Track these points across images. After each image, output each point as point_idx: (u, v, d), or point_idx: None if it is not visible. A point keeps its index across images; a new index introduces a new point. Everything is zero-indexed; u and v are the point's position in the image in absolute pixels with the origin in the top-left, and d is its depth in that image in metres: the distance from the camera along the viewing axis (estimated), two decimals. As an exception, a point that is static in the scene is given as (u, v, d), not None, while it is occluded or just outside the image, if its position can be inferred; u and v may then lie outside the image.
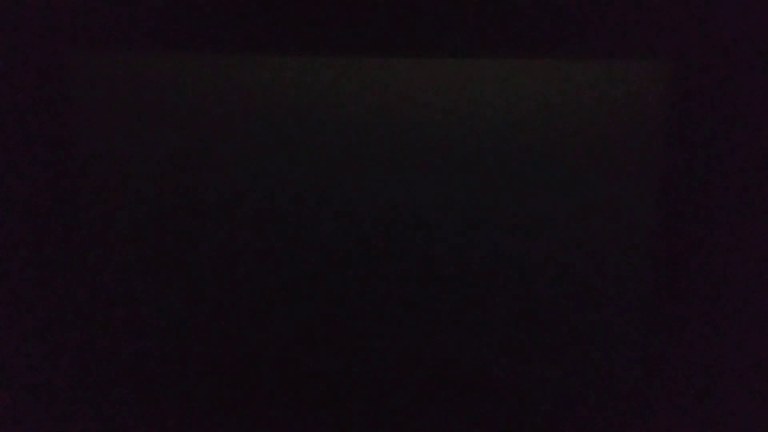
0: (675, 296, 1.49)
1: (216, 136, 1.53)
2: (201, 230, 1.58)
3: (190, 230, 1.58)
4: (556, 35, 1.42)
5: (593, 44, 1.41)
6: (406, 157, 1.49)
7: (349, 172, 1.51)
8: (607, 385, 1.52)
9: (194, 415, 1.61)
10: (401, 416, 1.57)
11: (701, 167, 1.44)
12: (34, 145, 1.59)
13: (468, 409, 1.56)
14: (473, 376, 1.56)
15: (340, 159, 1.51)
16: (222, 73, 1.50)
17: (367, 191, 1.51)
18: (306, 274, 1.57)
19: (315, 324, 1.59)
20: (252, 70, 1.49)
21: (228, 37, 1.50)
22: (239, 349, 1.63)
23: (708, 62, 1.39)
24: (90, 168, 1.58)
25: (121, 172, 1.58)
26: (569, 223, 1.47)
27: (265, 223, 1.55)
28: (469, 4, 1.41)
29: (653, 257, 1.46)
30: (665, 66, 1.38)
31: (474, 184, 1.48)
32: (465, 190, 1.49)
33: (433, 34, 1.45)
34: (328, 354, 1.60)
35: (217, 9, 1.48)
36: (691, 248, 1.47)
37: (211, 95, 1.51)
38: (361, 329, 1.58)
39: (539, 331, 1.53)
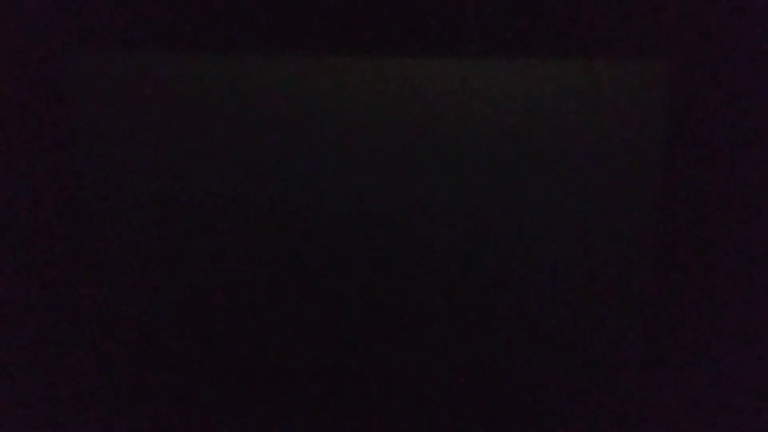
0: (675, 295, 1.49)
1: (215, 135, 1.53)
2: (200, 229, 1.58)
3: (189, 229, 1.58)
4: (556, 35, 1.42)
5: (593, 44, 1.41)
6: (406, 156, 1.49)
7: (349, 172, 1.51)
8: (607, 385, 1.53)
9: (194, 415, 1.61)
10: (401, 416, 1.57)
11: (701, 167, 1.44)
12: (32, 144, 1.59)
13: (467, 409, 1.56)
14: (473, 376, 1.57)
15: (339, 158, 1.51)
16: (222, 73, 1.49)
17: (365, 190, 1.51)
18: (305, 274, 1.57)
19: (315, 323, 1.59)
20: (251, 70, 1.48)
21: (228, 37, 1.50)
22: (240, 349, 1.63)
23: (708, 62, 1.40)
24: (89, 167, 1.58)
25: (120, 172, 1.57)
26: (570, 222, 1.48)
27: (266, 222, 1.55)
28: (470, 4, 1.41)
29: (653, 257, 1.46)
30: (665, 66, 1.38)
31: (474, 184, 1.49)
32: (465, 190, 1.49)
33: (433, 34, 1.45)
34: (327, 353, 1.60)
35: (218, 9, 1.48)
36: (691, 248, 1.47)
37: (211, 95, 1.51)
38: (360, 328, 1.58)
39: (539, 330, 1.53)
